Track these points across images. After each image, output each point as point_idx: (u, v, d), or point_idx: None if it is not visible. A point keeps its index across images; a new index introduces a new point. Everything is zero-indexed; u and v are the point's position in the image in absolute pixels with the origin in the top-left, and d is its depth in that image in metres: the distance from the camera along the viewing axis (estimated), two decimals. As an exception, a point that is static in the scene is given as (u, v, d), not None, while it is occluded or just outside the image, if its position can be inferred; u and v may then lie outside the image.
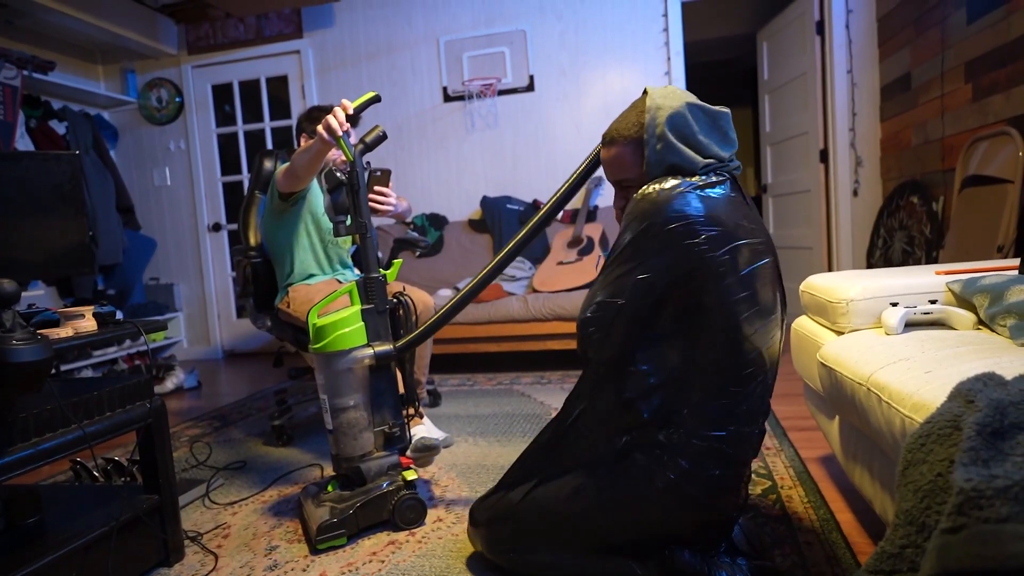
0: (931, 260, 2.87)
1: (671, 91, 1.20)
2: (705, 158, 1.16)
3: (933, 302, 1.41)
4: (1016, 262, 1.43)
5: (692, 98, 1.19)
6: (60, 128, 3.86)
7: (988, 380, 0.77)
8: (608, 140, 1.24)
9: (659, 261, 1.09)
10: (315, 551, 1.50)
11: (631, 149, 1.20)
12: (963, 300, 1.37)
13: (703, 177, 1.13)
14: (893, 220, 3.24)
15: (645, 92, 1.22)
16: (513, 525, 1.29)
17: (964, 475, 0.57)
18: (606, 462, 1.19)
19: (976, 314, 1.32)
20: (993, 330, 1.25)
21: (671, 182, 1.12)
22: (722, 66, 6.48)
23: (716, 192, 1.13)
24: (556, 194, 1.44)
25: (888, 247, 3.27)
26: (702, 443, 1.11)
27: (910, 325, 1.36)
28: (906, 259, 3.09)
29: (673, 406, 1.13)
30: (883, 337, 1.31)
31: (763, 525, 1.45)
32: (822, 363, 1.38)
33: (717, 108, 1.20)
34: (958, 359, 1.05)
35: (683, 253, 1.08)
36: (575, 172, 1.43)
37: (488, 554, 1.35)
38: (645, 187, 1.14)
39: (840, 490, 1.64)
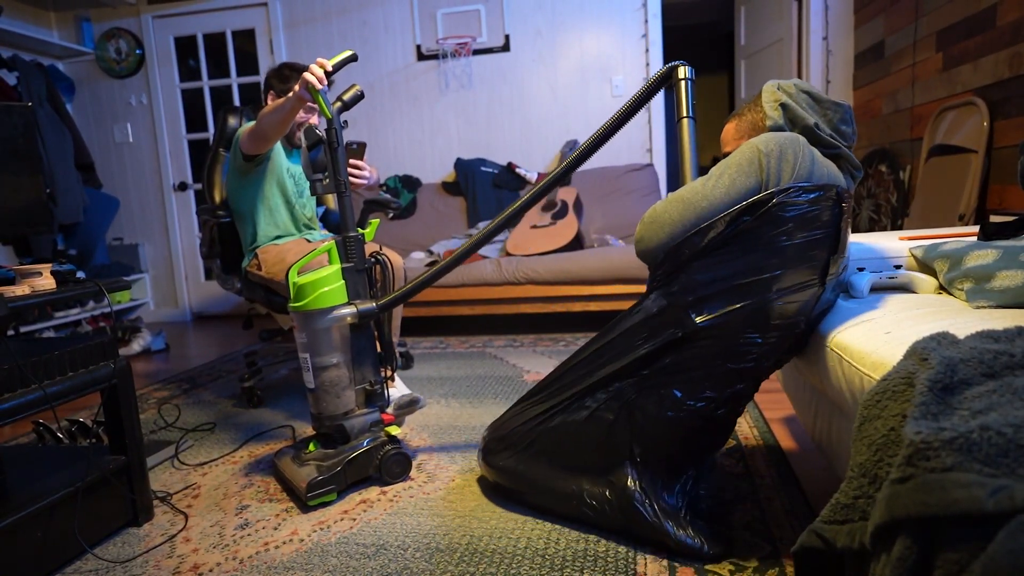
0: (896, 228, 2.94)
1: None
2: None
3: (898, 267, 1.44)
4: (975, 229, 1.47)
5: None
6: (10, 79, 3.67)
7: (942, 339, 0.79)
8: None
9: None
10: (306, 508, 1.52)
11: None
12: (925, 265, 1.40)
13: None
14: (861, 188, 3.29)
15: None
16: (504, 433, 1.42)
17: (914, 428, 0.60)
18: (628, 381, 1.25)
19: (937, 278, 1.36)
20: (951, 294, 1.29)
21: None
22: (700, 30, 6.43)
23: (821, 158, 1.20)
24: (604, 125, 1.45)
25: (856, 215, 3.32)
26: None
27: (876, 289, 1.39)
28: (872, 227, 3.15)
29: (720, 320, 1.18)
30: (849, 301, 1.34)
31: (727, 482, 1.50)
32: (787, 325, 1.40)
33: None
34: (916, 320, 1.08)
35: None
36: (635, 96, 1.43)
37: (488, 471, 1.48)
38: None
39: (801, 449, 1.69)
